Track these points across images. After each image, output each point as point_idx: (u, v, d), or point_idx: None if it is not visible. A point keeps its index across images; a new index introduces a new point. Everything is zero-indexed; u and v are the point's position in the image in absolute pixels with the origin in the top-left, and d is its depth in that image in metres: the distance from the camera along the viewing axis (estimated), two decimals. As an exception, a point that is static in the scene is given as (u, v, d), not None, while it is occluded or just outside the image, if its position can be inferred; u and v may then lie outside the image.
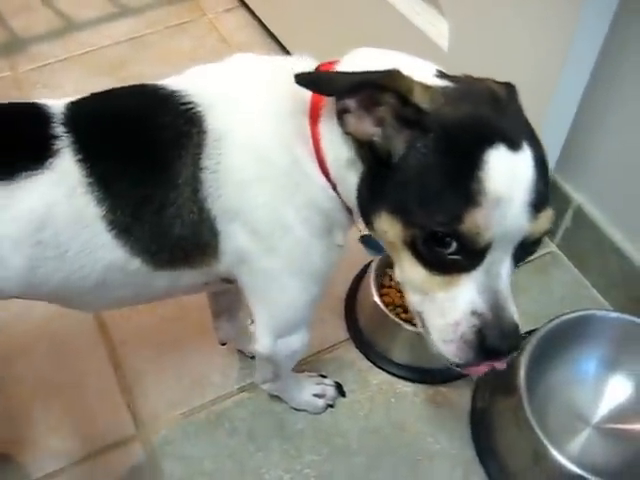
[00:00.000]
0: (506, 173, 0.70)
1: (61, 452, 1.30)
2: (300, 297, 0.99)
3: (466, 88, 0.78)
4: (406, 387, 1.37)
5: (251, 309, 1.03)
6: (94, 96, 0.94)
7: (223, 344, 1.41)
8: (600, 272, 1.49)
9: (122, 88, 0.95)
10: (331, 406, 1.36)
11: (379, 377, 1.39)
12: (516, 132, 0.74)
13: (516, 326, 0.76)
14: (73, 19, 2.25)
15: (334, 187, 0.87)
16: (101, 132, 0.90)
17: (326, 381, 1.37)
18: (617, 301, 1.46)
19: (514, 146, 0.72)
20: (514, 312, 0.76)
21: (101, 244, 0.89)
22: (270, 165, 0.87)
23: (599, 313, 1.28)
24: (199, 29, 2.19)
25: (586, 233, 1.47)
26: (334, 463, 1.28)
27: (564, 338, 1.26)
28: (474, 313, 0.75)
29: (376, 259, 1.39)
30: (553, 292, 1.50)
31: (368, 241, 1.03)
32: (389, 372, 1.39)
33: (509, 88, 0.82)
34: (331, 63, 0.88)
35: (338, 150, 0.83)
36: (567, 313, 1.26)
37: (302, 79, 0.76)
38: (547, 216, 0.74)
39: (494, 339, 0.75)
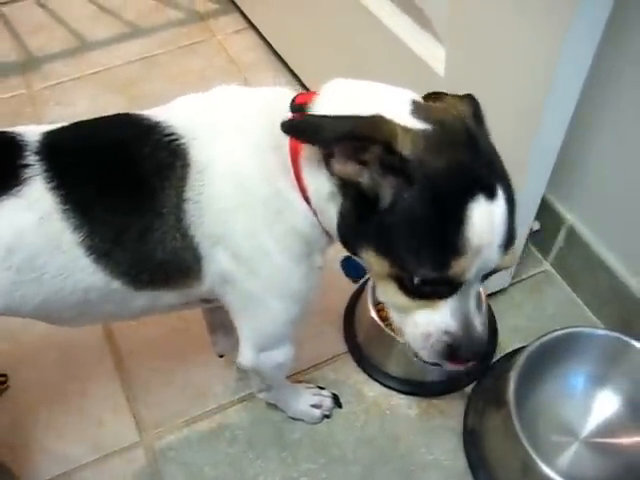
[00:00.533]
0: (486, 224, 0.77)
1: (66, 457, 1.35)
2: (281, 316, 1.04)
3: (442, 129, 0.80)
4: (401, 399, 1.41)
5: (234, 323, 1.07)
6: (75, 125, 0.96)
7: (221, 356, 1.46)
8: (592, 291, 1.53)
9: (106, 117, 0.97)
10: (327, 416, 1.40)
11: (375, 390, 1.43)
12: (492, 177, 0.79)
13: (483, 340, 0.86)
14: (86, 39, 2.32)
15: (315, 213, 0.91)
16: (79, 161, 0.92)
17: (323, 392, 1.41)
18: (609, 319, 1.49)
19: (491, 195, 0.77)
20: (481, 327, 0.85)
21: (80, 268, 0.91)
22: (250, 195, 0.91)
23: (586, 330, 1.32)
24: (209, 50, 2.25)
25: (578, 253, 1.51)
26: (330, 472, 1.32)
27: (553, 354, 1.31)
28: (446, 332, 0.84)
29: (374, 275, 1.44)
30: (546, 309, 1.55)
31: (347, 265, 1.08)
32: (384, 385, 1.43)
33: (474, 106, 0.87)
34: (309, 94, 0.90)
35: (319, 183, 0.86)
36: (556, 330, 1.30)
37: (288, 128, 0.79)
38: (513, 250, 0.82)
39: (464, 353, 0.85)
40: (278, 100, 0.90)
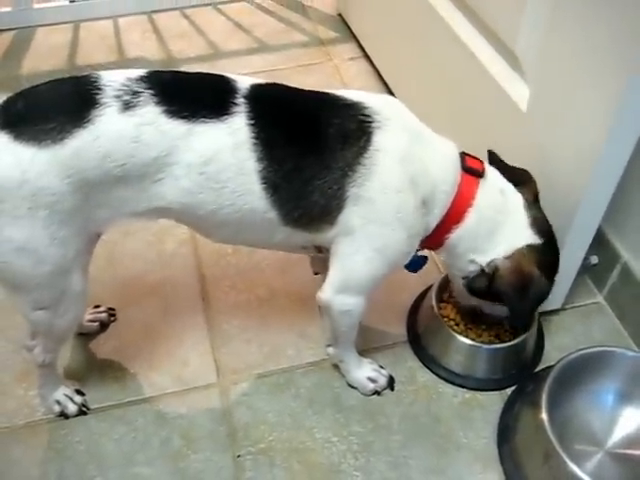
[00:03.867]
0: None
1: (155, 384, 1.59)
2: (370, 269, 1.28)
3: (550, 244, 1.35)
4: (448, 388, 1.59)
5: (330, 266, 1.30)
6: (277, 85, 1.23)
7: (316, 274, 1.62)
8: (638, 325, 1.66)
9: (309, 91, 1.24)
10: (378, 393, 1.57)
11: (426, 376, 1.61)
12: None
13: None
14: (220, 49, 2.63)
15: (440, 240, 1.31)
16: (276, 111, 1.18)
17: (382, 371, 1.58)
18: (649, 350, 1.62)
19: None
20: None
21: (251, 191, 1.16)
22: (413, 195, 1.21)
23: (618, 350, 1.46)
24: (324, 71, 2.51)
25: (629, 289, 1.65)
26: (375, 436, 1.50)
27: (586, 369, 1.45)
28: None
29: (439, 278, 1.64)
30: (592, 336, 1.68)
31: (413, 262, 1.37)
32: (435, 373, 1.61)
33: (535, 191, 1.36)
34: (478, 162, 1.31)
35: (468, 250, 1.33)
36: (590, 347, 1.46)
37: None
38: None
39: None
40: (451, 148, 1.29)
